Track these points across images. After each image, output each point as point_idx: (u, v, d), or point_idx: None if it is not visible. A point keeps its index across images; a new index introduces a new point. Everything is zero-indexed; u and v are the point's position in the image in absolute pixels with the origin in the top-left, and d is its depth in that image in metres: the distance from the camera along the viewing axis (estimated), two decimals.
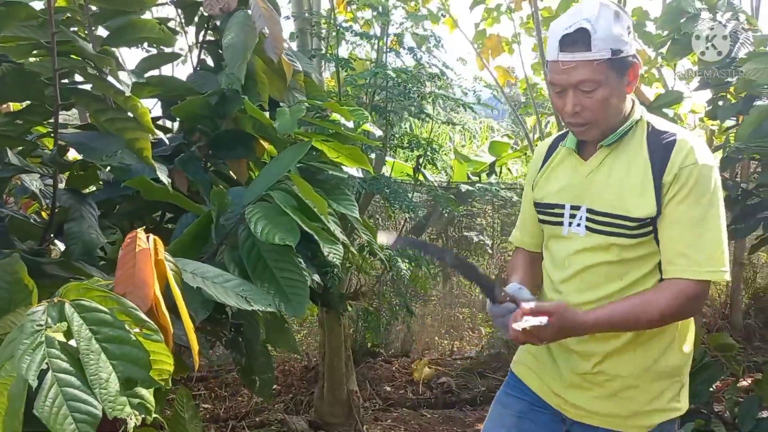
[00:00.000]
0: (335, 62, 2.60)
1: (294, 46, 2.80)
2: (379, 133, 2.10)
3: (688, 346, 1.55)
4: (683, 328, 1.54)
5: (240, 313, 1.86)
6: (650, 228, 1.45)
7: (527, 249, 1.78)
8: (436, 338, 4.79)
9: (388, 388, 3.98)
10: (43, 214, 1.89)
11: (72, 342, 0.98)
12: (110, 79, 1.25)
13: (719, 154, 3.69)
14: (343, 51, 3.33)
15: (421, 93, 2.67)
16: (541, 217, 1.65)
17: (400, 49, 2.70)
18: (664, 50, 3.28)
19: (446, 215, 4.04)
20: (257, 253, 1.49)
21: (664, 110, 3.22)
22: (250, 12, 1.81)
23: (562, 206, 1.57)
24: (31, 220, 1.57)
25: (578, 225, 1.53)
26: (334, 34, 2.65)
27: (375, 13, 2.67)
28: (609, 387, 1.53)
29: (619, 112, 1.47)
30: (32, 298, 1.14)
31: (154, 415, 1.02)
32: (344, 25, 3.16)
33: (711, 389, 2.97)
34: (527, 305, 1.41)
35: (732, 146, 2.90)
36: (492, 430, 1.73)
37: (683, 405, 1.55)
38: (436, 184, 3.11)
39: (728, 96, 3.10)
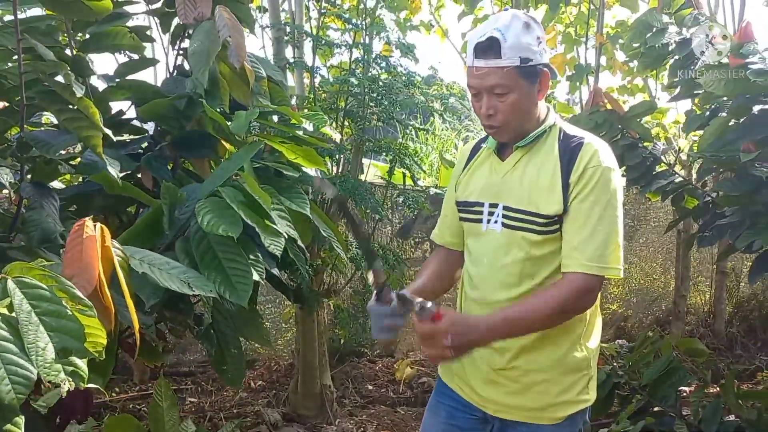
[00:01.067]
0: (307, 70, 2.73)
1: (270, 53, 2.94)
2: (337, 136, 2.22)
3: (594, 342, 1.66)
4: (590, 324, 1.64)
5: (210, 306, 1.98)
6: (558, 225, 1.55)
7: (447, 247, 1.85)
8: None
9: (370, 387, 4.09)
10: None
11: (13, 314, 1.11)
12: (62, 80, 1.38)
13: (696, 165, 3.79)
14: (333, 60, 3.47)
15: (393, 100, 2.79)
16: (462, 215, 1.73)
17: (373, 58, 2.82)
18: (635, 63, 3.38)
19: (431, 219, 4.16)
20: (207, 245, 1.61)
21: (641, 120, 3.34)
22: (215, 21, 1.94)
23: (482, 204, 1.66)
24: (3, 212, 1.71)
25: (495, 222, 1.62)
26: (309, 42, 2.77)
27: (348, 26, 2.80)
28: (523, 381, 1.60)
29: (532, 116, 1.59)
30: None
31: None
32: (332, 33, 3.30)
33: (677, 393, 3.06)
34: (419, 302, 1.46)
35: (692, 155, 2.99)
36: None
37: (591, 396, 1.66)
38: (405, 188, 3.22)
39: (694, 108, 3.20)
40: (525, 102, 1.54)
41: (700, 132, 2.93)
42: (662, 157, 3.27)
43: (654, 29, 3.04)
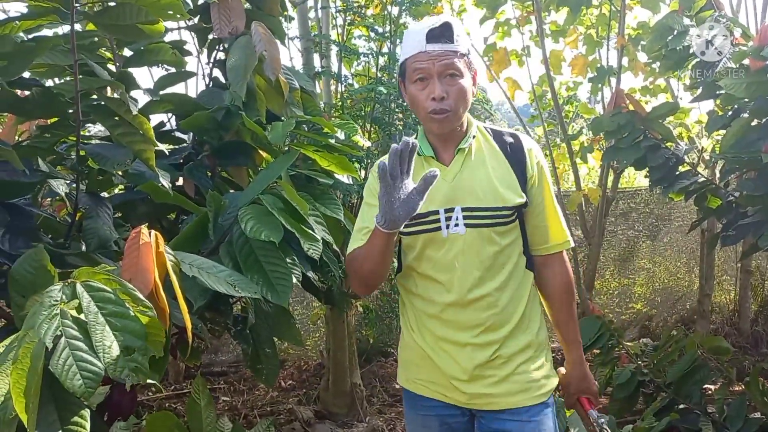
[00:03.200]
0: (334, 78, 2.82)
1: (296, 63, 3.04)
2: (368, 144, 2.31)
3: (545, 329, 1.79)
4: (541, 305, 1.80)
5: (253, 307, 2.07)
6: (516, 214, 1.69)
7: None
8: None
9: (397, 386, 4.17)
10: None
11: (82, 316, 1.21)
12: (114, 95, 1.49)
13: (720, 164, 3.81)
14: (357, 66, 3.56)
15: None
16: (415, 228, 1.66)
17: (395, 66, 2.91)
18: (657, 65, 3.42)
19: None
20: (249, 249, 1.71)
21: (663, 121, 3.38)
22: (251, 36, 2.05)
23: (436, 212, 1.64)
24: (59, 220, 1.83)
25: (456, 225, 1.64)
26: (336, 53, 2.87)
27: (378, 36, 2.89)
28: (506, 368, 1.66)
29: (467, 110, 1.66)
30: (54, 281, 1.38)
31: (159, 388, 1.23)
32: (356, 41, 3.39)
33: (702, 390, 3.10)
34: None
35: (714, 156, 3.02)
36: None
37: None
38: None
39: (716, 109, 3.23)
40: (469, 92, 1.63)
41: (723, 131, 2.97)
42: (685, 158, 3.30)
43: (675, 32, 3.09)
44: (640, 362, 3.26)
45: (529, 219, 1.72)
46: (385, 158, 1.46)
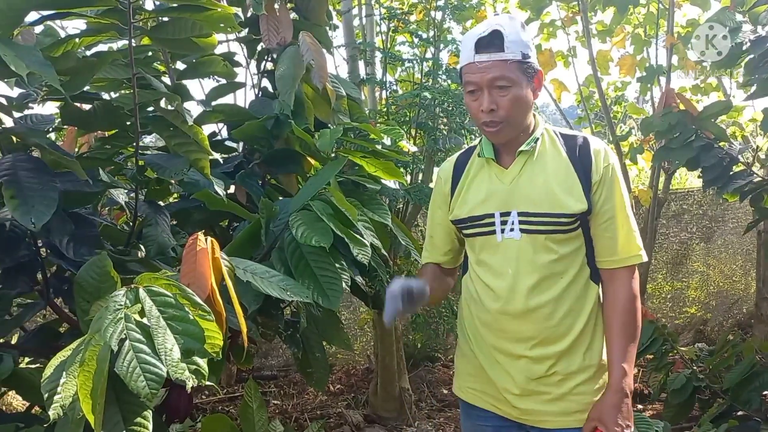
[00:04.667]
0: (379, 85, 2.85)
1: (345, 71, 3.08)
2: (414, 149, 2.33)
3: None
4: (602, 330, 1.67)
5: (304, 311, 2.11)
6: (579, 222, 1.59)
7: (440, 264, 1.85)
8: None
9: (445, 391, 4.16)
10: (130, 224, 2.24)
11: (144, 320, 1.26)
12: (169, 107, 1.55)
13: None
14: (400, 71, 3.59)
15: (463, 110, 2.88)
16: (470, 231, 1.68)
17: (444, 70, 2.93)
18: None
19: None
20: (300, 254, 1.75)
21: (716, 120, 3.30)
22: (299, 46, 2.09)
23: (492, 215, 1.62)
24: (119, 228, 1.90)
25: (512, 230, 1.60)
26: (380, 59, 2.90)
27: (422, 41, 2.92)
28: (563, 386, 1.61)
29: (527, 116, 1.60)
30: (117, 287, 1.44)
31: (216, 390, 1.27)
32: (399, 47, 3.42)
33: (761, 397, 3.01)
34: None
35: None
36: None
37: None
38: None
39: None
40: (524, 99, 1.55)
41: None
42: (739, 157, 3.22)
43: (727, 28, 3.02)
44: (695, 367, 3.18)
45: (595, 227, 1.61)
46: None
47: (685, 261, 5.34)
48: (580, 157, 1.60)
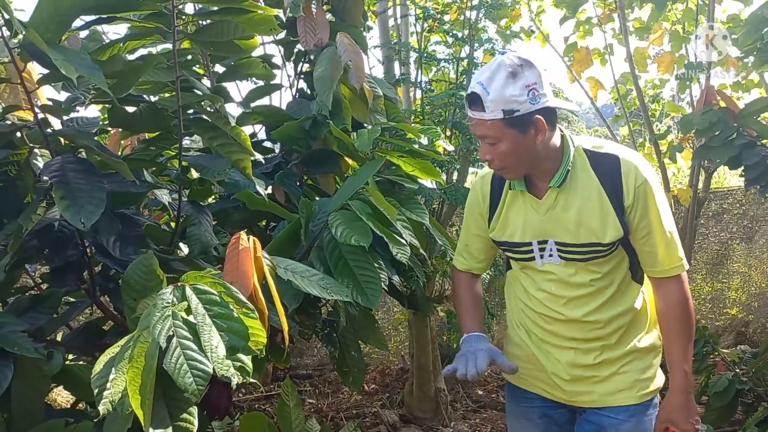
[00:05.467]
0: (414, 86, 2.86)
1: (380, 72, 3.10)
2: (450, 148, 2.32)
3: (657, 331, 1.75)
4: (652, 314, 1.75)
5: (344, 310, 2.13)
6: (618, 244, 1.62)
7: (472, 272, 1.91)
8: None
9: (480, 392, 4.14)
10: (172, 223, 2.28)
11: (190, 317, 1.28)
12: (211, 109, 1.57)
13: None
14: (435, 71, 3.59)
15: None
16: (510, 254, 1.76)
17: (474, 70, 2.91)
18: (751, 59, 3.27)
19: None
20: (339, 254, 1.76)
21: (758, 117, 3.23)
22: (336, 47, 2.11)
23: (529, 243, 1.68)
24: (162, 227, 1.94)
25: (550, 256, 1.66)
26: (414, 60, 2.90)
27: (453, 39, 2.91)
28: (610, 369, 1.68)
29: (531, 158, 1.57)
30: (162, 285, 1.47)
31: (256, 385, 1.29)
32: (434, 45, 3.42)
33: None
34: None
35: None
36: None
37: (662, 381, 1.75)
38: None
39: None
40: (518, 149, 1.54)
41: None
42: None
43: None
44: (738, 370, 3.11)
45: (634, 242, 1.63)
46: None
47: (725, 261, 5.23)
48: (611, 181, 1.58)
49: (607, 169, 1.59)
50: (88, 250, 1.73)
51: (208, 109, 1.73)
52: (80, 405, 2.21)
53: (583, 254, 1.62)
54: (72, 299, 2.02)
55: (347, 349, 2.36)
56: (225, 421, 3.42)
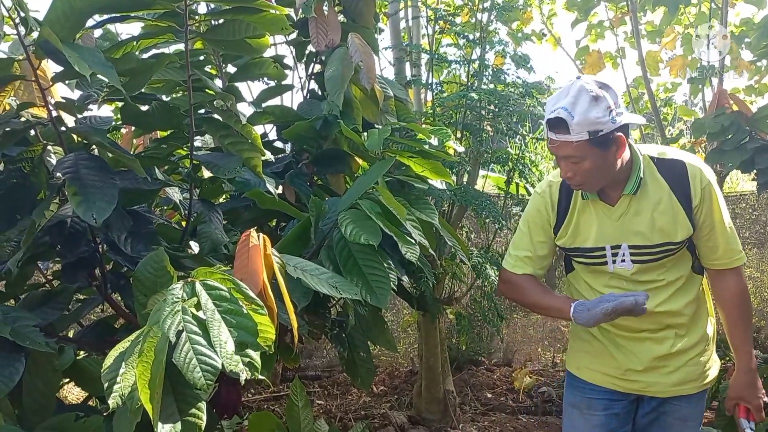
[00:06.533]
0: (425, 87, 2.86)
1: (391, 73, 3.10)
2: (461, 149, 2.32)
3: (714, 319, 1.91)
4: (710, 303, 1.89)
5: (353, 310, 2.13)
6: (687, 240, 1.73)
7: (531, 274, 1.93)
8: (539, 350, 4.87)
9: (489, 395, 4.13)
10: (183, 222, 2.30)
11: (200, 313, 1.29)
12: (222, 107, 1.58)
13: None
14: (446, 74, 3.59)
15: (510, 111, 2.87)
16: (581, 259, 1.85)
17: (485, 72, 2.92)
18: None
19: None
20: (348, 252, 1.76)
21: None
22: (348, 48, 2.11)
23: (602, 248, 1.78)
24: (174, 226, 1.95)
25: (623, 261, 1.76)
26: (425, 62, 2.91)
27: (468, 42, 2.91)
28: (681, 359, 1.80)
29: (610, 172, 1.67)
30: (173, 281, 1.48)
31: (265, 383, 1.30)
32: (445, 47, 3.42)
33: None
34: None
35: None
36: (583, 429, 1.92)
37: None
38: (520, 197, 3.27)
39: None
40: (600, 165, 1.65)
41: None
42: None
43: None
44: None
45: (697, 238, 1.75)
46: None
47: None
48: (679, 184, 1.71)
49: (675, 173, 1.71)
50: (100, 248, 1.74)
51: (220, 107, 1.74)
52: (91, 402, 2.22)
53: (655, 254, 1.73)
54: (84, 297, 2.04)
55: (356, 349, 2.36)
56: (234, 420, 3.43)
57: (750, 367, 1.79)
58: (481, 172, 3.52)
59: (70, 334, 2.27)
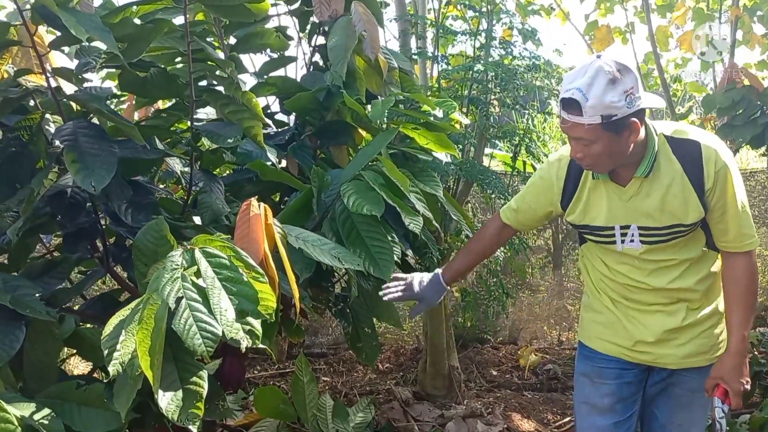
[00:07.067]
0: (431, 60, 2.82)
1: (397, 46, 3.06)
2: (466, 121, 2.29)
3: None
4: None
5: (356, 281, 2.12)
6: (699, 222, 1.69)
7: (512, 227, 1.98)
8: (545, 328, 4.86)
9: (494, 372, 4.13)
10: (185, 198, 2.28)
11: (200, 281, 1.28)
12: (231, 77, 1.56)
13: None
14: (451, 49, 3.54)
15: (517, 85, 2.82)
16: (590, 237, 1.83)
17: (492, 44, 2.87)
18: None
19: None
20: (351, 224, 1.75)
21: None
22: (351, 17, 2.08)
23: (612, 228, 1.75)
24: (176, 200, 1.94)
25: (632, 241, 1.74)
26: (432, 34, 2.86)
27: (475, 14, 2.87)
28: (693, 332, 1.78)
29: (626, 154, 1.62)
30: (173, 250, 1.46)
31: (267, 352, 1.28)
32: (451, 21, 3.37)
33: None
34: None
35: None
36: (594, 399, 1.92)
37: None
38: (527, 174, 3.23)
39: None
40: (611, 150, 1.60)
41: None
42: None
43: None
44: (756, 353, 3.07)
45: (709, 220, 1.71)
46: None
47: None
48: (692, 166, 1.65)
49: (689, 155, 1.65)
50: (102, 221, 1.73)
51: (220, 76, 1.72)
52: (96, 375, 2.23)
53: (664, 236, 1.70)
54: (87, 270, 2.03)
55: (360, 325, 2.35)
56: (240, 395, 3.44)
57: (740, 350, 1.74)
58: (487, 151, 3.48)
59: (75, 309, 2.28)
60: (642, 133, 1.63)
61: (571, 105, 1.55)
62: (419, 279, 1.98)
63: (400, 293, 1.95)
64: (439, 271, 2.00)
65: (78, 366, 3.29)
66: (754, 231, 1.72)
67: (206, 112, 2.31)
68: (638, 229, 1.72)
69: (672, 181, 1.66)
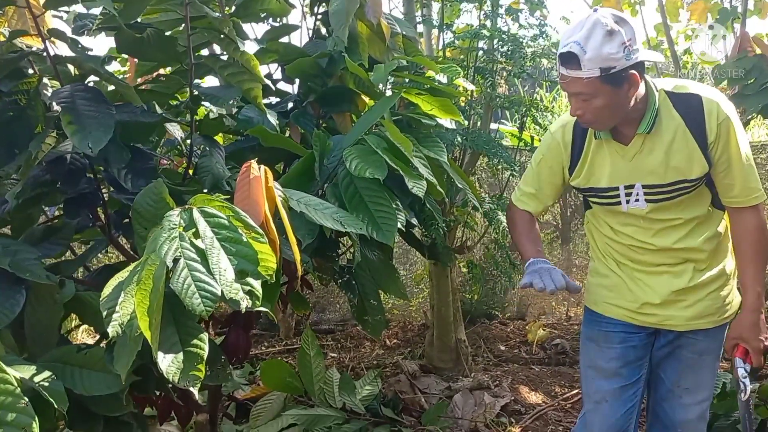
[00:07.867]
0: (434, 27, 2.77)
1: (400, 15, 3.01)
2: (471, 87, 2.25)
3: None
4: (729, 243, 1.84)
5: (359, 246, 2.10)
6: (701, 180, 1.68)
7: (532, 213, 1.95)
8: (553, 303, 4.85)
9: (502, 347, 4.13)
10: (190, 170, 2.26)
11: (198, 242, 1.26)
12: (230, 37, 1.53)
13: None
14: (457, 21, 3.49)
15: (523, 54, 2.78)
16: (595, 199, 1.81)
17: (498, 11, 2.82)
18: None
19: None
20: (354, 189, 1.72)
21: None
22: None
23: (616, 188, 1.74)
24: (177, 171, 1.92)
25: (636, 200, 1.73)
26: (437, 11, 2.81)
27: None
28: (700, 293, 1.78)
29: (626, 108, 1.61)
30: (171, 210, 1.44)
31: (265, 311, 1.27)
32: None
33: None
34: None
35: None
36: (600, 363, 1.91)
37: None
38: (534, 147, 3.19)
39: None
40: (611, 103, 1.59)
41: None
42: None
43: None
44: None
45: (714, 175, 1.71)
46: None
47: None
48: (694, 120, 1.64)
49: (690, 108, 1.64)
50: (104, 189, 1.72)
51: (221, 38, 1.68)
52: (103, 345, 2.23)
53: (669, 193, 1.70)
54: (90, 240, 2.02)
55: (366, 297, 2.33)
56: (246, 369, 3.45)
57: (756, 307, 1.73)
58: (493, 126, 3.44)
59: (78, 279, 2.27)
60: (642, 89, 1.62)
61: (569, 59, 1.55)
62: (549, 272, 1.75)
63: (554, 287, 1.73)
64: (533, 258, 1.82)
65: (85, 340, 3.31)
66: (759, 184, 1.71)
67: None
68: (643, 187, 1.71)
69: (674, 136, 1.65)
